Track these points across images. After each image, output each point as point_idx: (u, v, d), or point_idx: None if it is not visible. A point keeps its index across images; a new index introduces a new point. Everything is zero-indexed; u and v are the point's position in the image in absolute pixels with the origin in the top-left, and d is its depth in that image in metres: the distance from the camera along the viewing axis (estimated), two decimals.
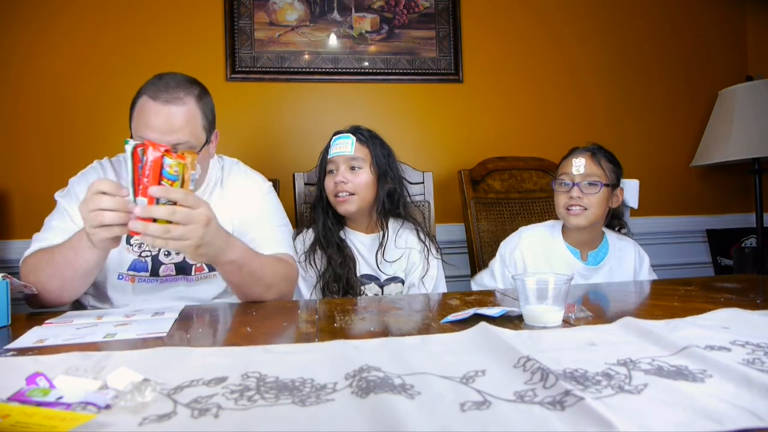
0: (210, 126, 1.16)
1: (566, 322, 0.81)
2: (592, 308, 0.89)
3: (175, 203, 0.84)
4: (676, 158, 2.32)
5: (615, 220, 1.51)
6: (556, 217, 1.48)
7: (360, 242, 1.45)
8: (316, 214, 1.45)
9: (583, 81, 2.24)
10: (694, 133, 2.31)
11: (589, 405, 0.45)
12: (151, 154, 0.83)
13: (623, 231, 1.53)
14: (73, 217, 1.12)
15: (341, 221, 1.46)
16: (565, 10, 2.23)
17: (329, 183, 1.40)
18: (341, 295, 1.34)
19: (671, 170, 2.32)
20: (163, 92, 1.07)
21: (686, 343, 0.64)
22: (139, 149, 0.84)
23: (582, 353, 0.64)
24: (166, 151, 0.84)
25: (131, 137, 1.09)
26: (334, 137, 1.42)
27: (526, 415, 0.46)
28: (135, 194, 0.83)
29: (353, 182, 1.37)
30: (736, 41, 2.38)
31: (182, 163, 0.85)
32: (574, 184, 1.36)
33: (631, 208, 1.52)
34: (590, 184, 1.35)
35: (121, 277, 1.15)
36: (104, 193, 0.85)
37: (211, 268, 1.18)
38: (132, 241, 1.15)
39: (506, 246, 1.50)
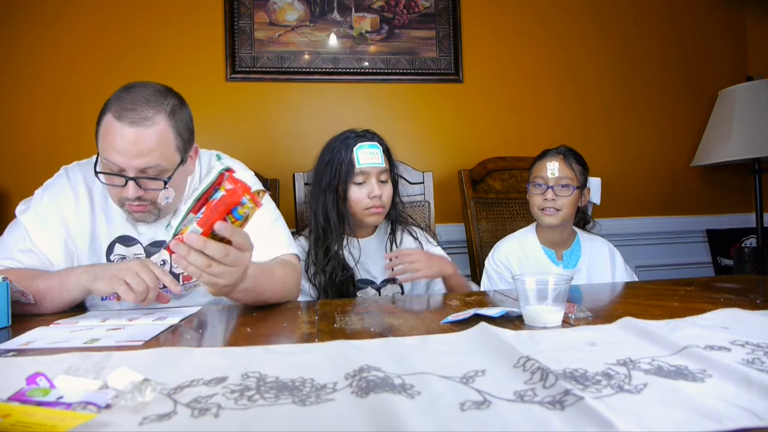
0: (185, 144, 1.06)
1: (566, 323, 0.81)
2: (592, 309, 0.89)
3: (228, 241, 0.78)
4: (676, 158, 2.33)
5: (580, 213, 1.59)
6: None
7: (355, 248, 1.40)
8: (329, 227, 1.34)
9: (583, 81, 2.24)
10: (694, 133, 2.31)
11: (589, 404, 0.45)
12: (231, 195, 0.76)
13: (589, 225, 1.61)
14: (33, 237, 1.06)
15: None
16: (565, 10, 2.23)
17: (360, 194, 1.32)
18: None
19: (671, 170, 2.32)
20: (130, 111, 0.97)
21: (686, 343, 0.64)
22: (226, 174, 0.78)
23: (582, 353, 0.64)
24: (246, 190, 0.78)
25: (97, 155, 1.03)
26: (358, 144, 1.33)
27: (526, 415, 0.46)
28: (194, 212, 0.78)
29: (385, 195, 1.34)
30: (736, 41, 2.39)
31: (255, 208, 0.79)
32: (548, 187, 1.43)
33: (595, 204, 1.61)
34: (563, 186, 1.43)
35: (105, 298, 1.08)
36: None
37: None
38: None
39: (488, 261, 1.57)
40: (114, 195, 1.06)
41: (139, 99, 0.99)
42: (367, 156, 1.32)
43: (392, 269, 1.27)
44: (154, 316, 0.93)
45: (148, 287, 0.90)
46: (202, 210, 0.77)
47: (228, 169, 0.79)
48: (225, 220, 0.77)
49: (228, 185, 0.77)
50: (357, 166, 1.32)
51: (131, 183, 1.00)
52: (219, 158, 0.83)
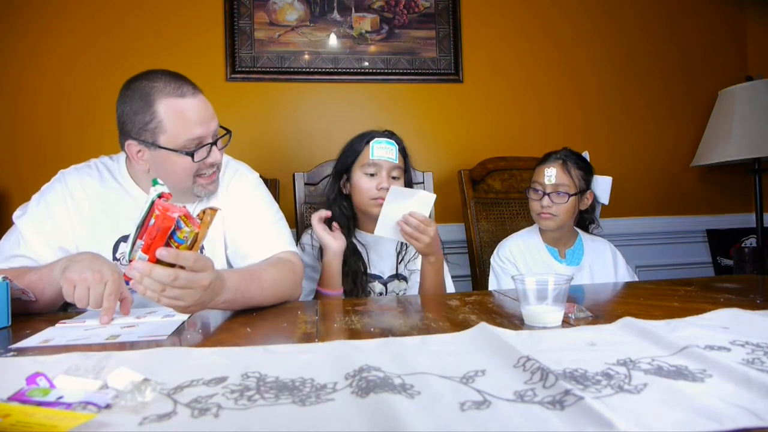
0: None
1: (566, 323, 0.81)
2: (592, 309, 0.90)
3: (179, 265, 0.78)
4: (676, 158, 2.33)
5: (586, 215, 1.60)
6: None
7: (365, 241, 1.45)
8: (336, 212, 1.41)
9: (583, 81, 2.24)
10: (694, 133, 2.31)
11: (589, 404, 0.45)
12: (162, 221, 0.76)
13: (593, 227, 1.63)
14: (28, 242, 1.06)
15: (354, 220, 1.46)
16: (565, 10, 2.23)
17: (369, 184, 1.36)
18: (353, 295, 1.36)
19: (671, 170, 2.32)
20: (184, 85, 1.04)
21: (686, 343, 0.64)
22: (161, 201, 0.78)
23: (582, 353, 0.64)
24: (185, 215, 0.79)
25: (152, 145, 1.02)
26: (375, 138, 1.38)
27: (526, 415, 0.46)
28: (140, 238, 0.78)
29: None
30: (736, 41, 2.39)
31: (195, 231, 0.79)
32: (545, 194, 1.47)
33: (603, 205, 1.61)
34: (559, 194, 1.45)
35: None
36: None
37: None
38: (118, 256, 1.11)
39: (493, 259, 1.59)
40: (190, 174, 1.08)
41: (174, 75, 1.05)
42: (381, 150, 1.37)
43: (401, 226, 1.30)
44: (161, 314, 0.94)
45: (88, 303, 0.88)
46: (145, 236, 0.77)
47: (160, 195, 0.79)
48: (169, 245, 0.77)
49: (157, 212, 0.77)
50: (370, 158, 1.36)
51: (214, 147, 1.08)
52: (155, 183, 0.82)
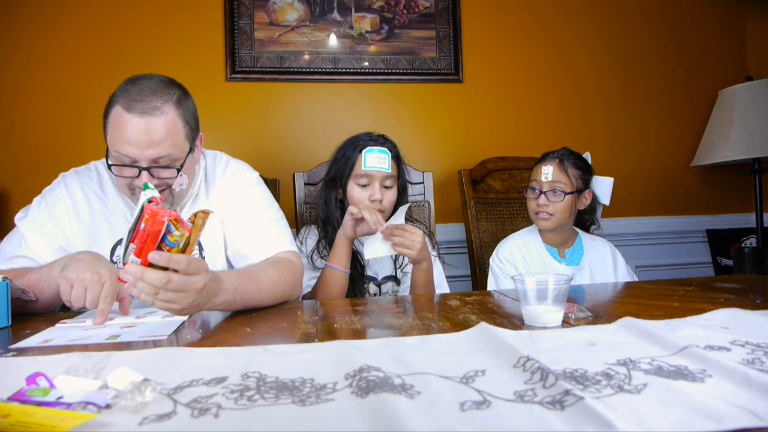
0: (193, 133, 1.08)
1: (566, 323, 0.81)
2: (592, 309, 0.90)
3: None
4: (676, 158, 2.33)
5: (586, 216, 1.60)
6: None
7: (359, 242, 1.45)
8: (333, 220, 1.41)
9: (582, 81, 2.24)
10: (694, 133, 2.31)
11: (589, 404, 0.45)
12: (151, 225, 0.77)
13: (593, 228, 1.63)
14: (30, 244, 1.07)
15: None
16: (565, 10, 2.23)
17: (362, 195, 1.36)
18: (349, 295, 1.36)
19: (671, 170, 2.32)
20: (139, 102, 0.98)
21: (686, 343, 0.64)
22: (150, 206, 0.78)
23: (582, 353, 0.64)
24: (175, 219, 0.79)
25: (107, 150, 1.03)
26: (368, 147, 1.36)
27: (526, 415, 0.46)
28: (132, 242, 0.78)
29: (386, 200, 1.37)
30: (736, 41, 2.39)
31: (186, 235, 0.79)
32: (541, 192, 1.47)
33: (605, 206, 1.61)
34: (555, 192, 1.46)
35: None
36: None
37: None
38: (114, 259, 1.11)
39: (492, 260, 1.59)
40: (124, 184, 1.05)
41: (146, 90, 0.99)
42: (374, 160, 1.34)
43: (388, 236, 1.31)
44: (161, 314, 0.94)
45: (83, 305, 0.88)
46: (136, 240, 0.78)
47: (150, 200, 0.79)
48: (161, 249, 0.78)
49: (146, 216, 0.77)
50: (363, 168, 1.35)
51: (144, 173, 1.01)
52: (146, 187, 0.81)
